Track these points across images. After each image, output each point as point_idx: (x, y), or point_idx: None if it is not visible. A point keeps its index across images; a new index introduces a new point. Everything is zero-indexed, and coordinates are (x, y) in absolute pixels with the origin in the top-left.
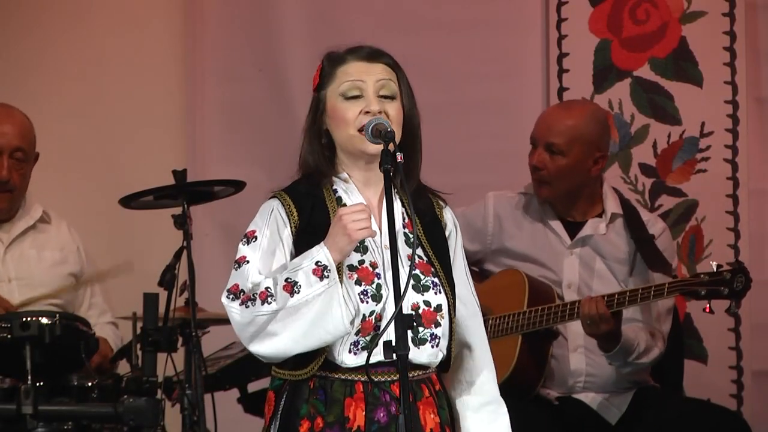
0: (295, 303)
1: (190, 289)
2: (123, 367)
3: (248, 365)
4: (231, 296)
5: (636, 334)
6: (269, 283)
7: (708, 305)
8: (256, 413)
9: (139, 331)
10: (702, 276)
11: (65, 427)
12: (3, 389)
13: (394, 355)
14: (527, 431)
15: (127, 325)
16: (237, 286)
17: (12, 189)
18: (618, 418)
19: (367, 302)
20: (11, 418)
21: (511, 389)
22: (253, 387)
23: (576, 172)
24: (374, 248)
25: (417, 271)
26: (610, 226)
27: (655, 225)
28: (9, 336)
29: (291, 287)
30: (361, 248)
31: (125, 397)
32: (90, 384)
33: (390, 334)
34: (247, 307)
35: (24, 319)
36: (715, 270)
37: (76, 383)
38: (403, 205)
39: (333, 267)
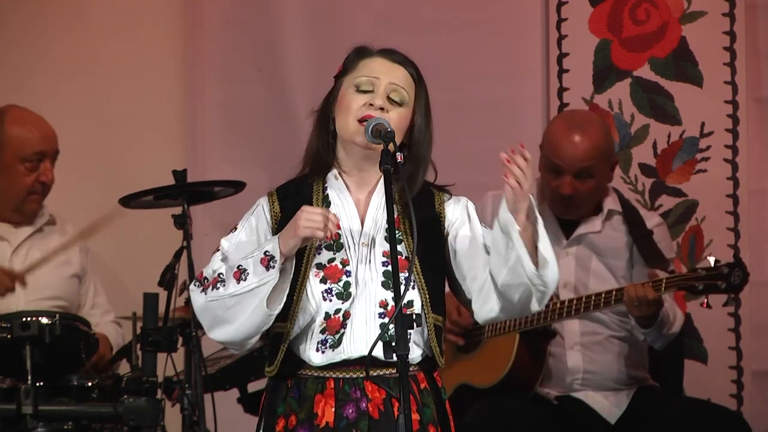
0: (239, 290)
1: None
2: (123, 367)
3: (248, 365)
4: (196, 283)
5: (668, 305)
6: (223, 269)
7: (705, 300)
8: (256, 413)
9: (139, 331)
10: (700, 271)
11: (65, 427)
12: (3, 389)
13: (394, 355)
14: (527, 431)
15: (127, 325)
16: (201, 273)
17: (48, 192)
18: (618, 417)
19: (332, 300)
20: (11, 418)
21: (509, 388)
22: (253, 387)
23: (603, 186)
24: (349, 245)
25: (389, 267)
26: (607, 223)
27: (651, 219)
28: (9, 336)
29: (240, 274)
30: (335, 246)
31: (125, 397)
32: (90, 384)
33: (364, 334)
34: (205, 293)
35: (24, 319)
36: (713, 265)
37: (76, 383)
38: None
39: (278, 258)
